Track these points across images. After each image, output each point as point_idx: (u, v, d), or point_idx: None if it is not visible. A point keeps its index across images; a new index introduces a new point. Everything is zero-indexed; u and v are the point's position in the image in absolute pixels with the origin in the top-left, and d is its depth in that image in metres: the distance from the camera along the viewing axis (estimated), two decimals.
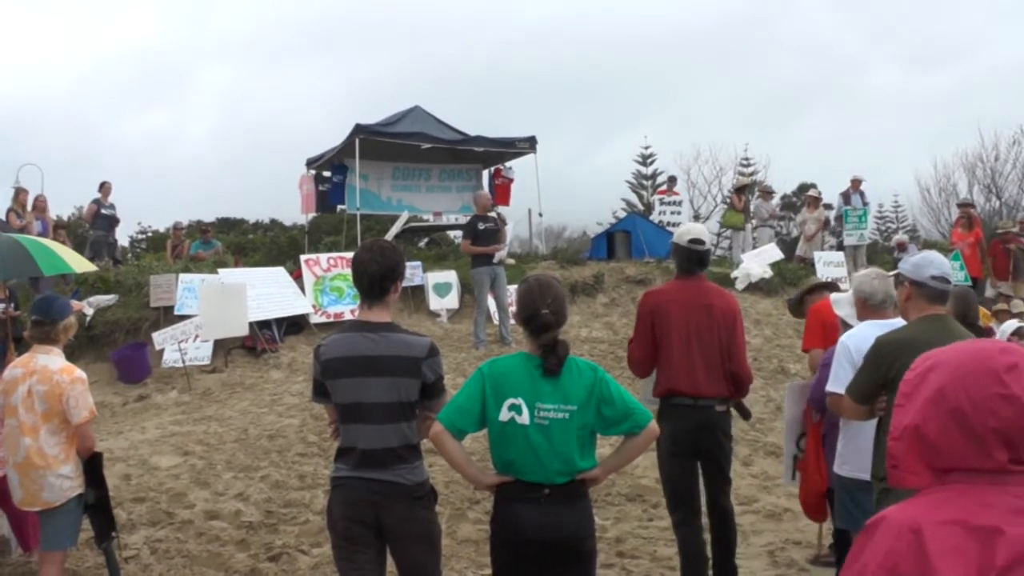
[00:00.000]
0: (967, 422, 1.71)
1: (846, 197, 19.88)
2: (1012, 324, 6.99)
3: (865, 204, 19.96)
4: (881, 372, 4.46)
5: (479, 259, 13.81)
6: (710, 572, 5.86)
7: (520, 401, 3.96)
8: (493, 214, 14.28)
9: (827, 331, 6.43)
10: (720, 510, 5.96)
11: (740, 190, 21.07)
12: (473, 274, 14.01)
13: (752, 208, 20.93)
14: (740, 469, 9.01)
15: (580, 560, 4.06)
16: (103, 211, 18.02)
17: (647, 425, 4.05)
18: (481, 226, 13.77)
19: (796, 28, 73.26)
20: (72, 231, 19.76)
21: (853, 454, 5.19)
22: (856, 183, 19.90)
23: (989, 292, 16.20)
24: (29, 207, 17.13)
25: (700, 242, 5.97)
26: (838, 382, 5.02)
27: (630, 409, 4.04)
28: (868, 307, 5.43)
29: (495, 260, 13.62)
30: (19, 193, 17.08)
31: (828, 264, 17.56)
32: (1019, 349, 1.79)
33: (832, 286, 7.93)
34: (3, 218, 16.54)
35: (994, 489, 1.71)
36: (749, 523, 7.91)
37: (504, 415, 3.97)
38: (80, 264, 8.73)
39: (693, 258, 5.96)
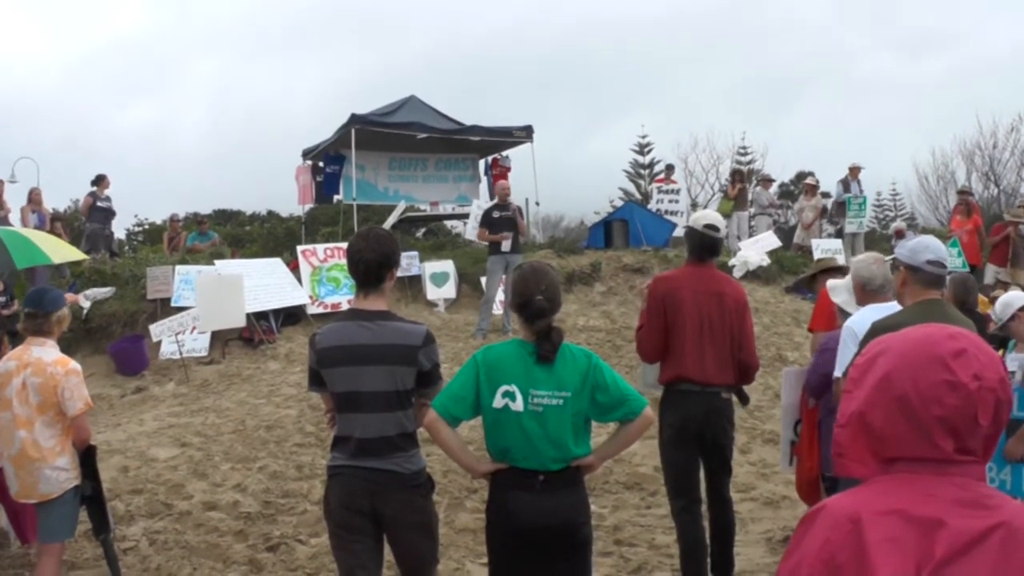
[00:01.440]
0: (912, 410, 1.69)
1: (845, 185, 19.86)
2: (1018, 296, 6.86)
3: (863, 192, 19.96)
4: None
5: (493, 247, 13.86)
6: (709, 560, 5.87)
7: (514, 388, 3.95)
8: (511, 204, 14.26)
9: (834, 315, 6.41)
10: (720, 499, 5.96)
11: (734, 178, 21.07)
12: (488, 262, 14.07)
13: (752, 196, 20.89)
14: (738, 457, 8.99)
15: (576, 547, 4.06)
16: (99, 204, 17.98)
17: (642, 412, 4.04)
18: (496, 215, 13.81)
19: (790, 13, 73.17)
20: (69, 223, 19.74)
21: None
22: (855, 171, 19.87)
23: (989, 279, 16.17)
24: (23, 201, 17.13)
25: (715, 228, 5.94)
26: (843, 366, 5.02)
27: (624, 396, 4.03)
28: (867, 292, 5.44)
29: (503, 248, 13.62)
30: None
31: (826, 252, 17.51)
32: (967, 334, 1.76)
33: (845, 270, 7.93)
34: None
35: (938, 479, 1.68)
36: (747, 511, 7.91)
37: (498, 402, 3.97)
38: (60, 255, 8.65)
39: (706, 244, 5.93)
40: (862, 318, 5.15)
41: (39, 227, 15.71)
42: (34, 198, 17.58)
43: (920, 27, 69.80)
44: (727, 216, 19.94)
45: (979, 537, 1.59)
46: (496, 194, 14.48)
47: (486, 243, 14.28)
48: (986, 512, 1.63)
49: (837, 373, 5.12)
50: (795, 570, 1.71)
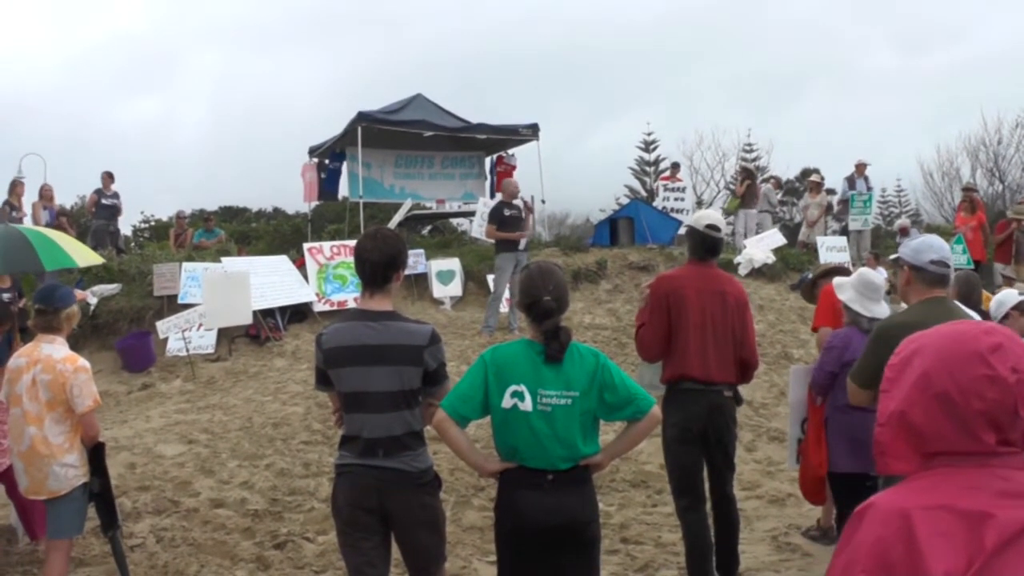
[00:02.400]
0: (953, 406, 1.71)
1: (851, 182, 19.83)
2: (1011, 294, 6.91)
3: (869, 189, 19.93)
4: (884, 356, 4.42)
5: (503, 245, 13.82)
6: (714, 558, 5.88)
7: (522, 388, 3.97)
8: (519, 201, 14.27)
9: (836, 313, 6.43)
10: (724, 496, 5.96)
11: (743, 176, 21.07)
12: (497, 260, 14.04)
13: (761, 192, 20.84)
14: (743, 455, 9.01)
15: (584, 545, 4.07)
16: (103, 200, 18.01)
17: (650, 410, 4.05)
18: (507, 212, 13.78)
19: (793, 9, 73.12)
20: (76, 220, 19.78)
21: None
22: (861, 167, 19.84)
23: (999, 280, 16.13)
24: (29, 198, 17.14)
25: (716, 228, 5.96)
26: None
27: (632, 395, 4.04)
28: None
29: (521, 246, 13.64)
30: (15, 185, 17.07)
31: (831, 249, 17.54)
32: (1003, 329, 1.79)
33: (844, 271, 7.94)
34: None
35: (981, 472, 1.71)
36: (752, 508, 7.93)
37: (507, 402, 3.98)
38: (84, 257, 8.68)
39: (708, 244, 5.94)
40: None
41: (51, 223, 15.76)
42: (45, 194, 17.61)
43: (922, 21, 69.82)
44: (734, 214, 19.95)
45: None
46: (505, 191, 14.43)
47: (493, 241, 14.28)
48: None
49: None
50: (848, 568, 1.72)
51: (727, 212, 20.78)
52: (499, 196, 15.26)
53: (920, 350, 1.81)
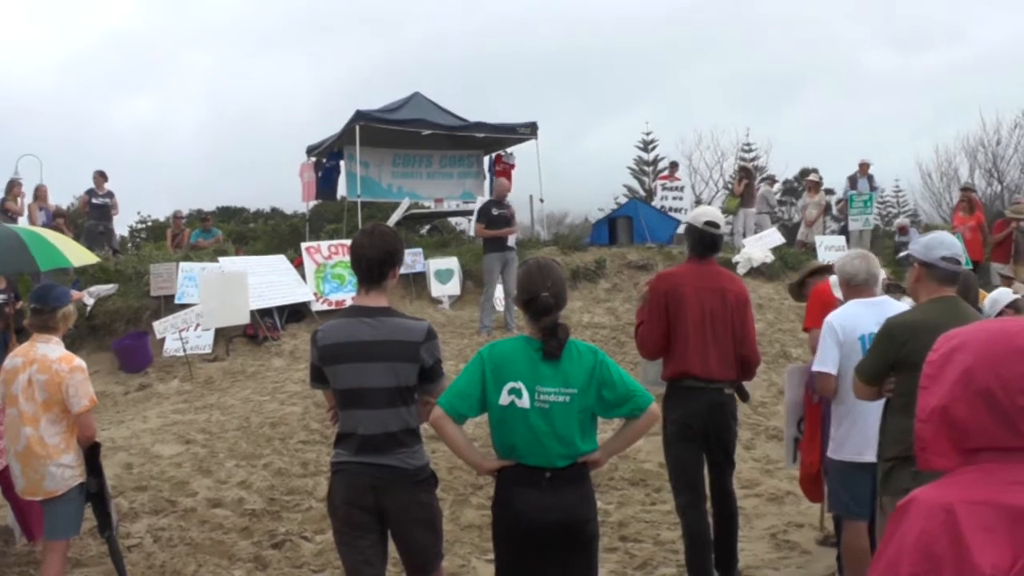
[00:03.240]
0: (996, 402, 1.70)
1: (853, 181, 19.84)
2: (1005, 292, 6.96)
3: (873, 188, 19.92)
4: (891, 353, 4.45)
5: (491, 244, 13.91)
6: (713, 556, 5.87)
7: (520, 385, 3.95)
8: (509, 201, 14.31)
9: (827, 312, 6.42)
10: (724, 494, 5.95)
11: (741, 175, 21.06)
12: (485, 259, 14.11)
13: (759, 194, 20.86)
14: (742, 453, 8.99)
15: (582, 543, 4.05)
16: (94, 200, 17.96)
17: (648, 408, 4.04)
18: (495, 211, 13.87)
19: (791, 8, 73.22)
20: (72, 220, 19.75)
21: (847, 438, 5.21)
22: (864, 167, 19.85)
23: (996, 279, 16.14)
24: (29, 199, 17.13)
25: (715, 225, 5.94)
26: (823, 362, 5.17)
27: (631, 392, 4.03)
28: (851, 287, 5.51)
29: (509, 243, 13.68)
30: (13, 185, 17.05)
31: (829, 248, 17.51)
32: None
33: (832, 269, 7.94)
34: None
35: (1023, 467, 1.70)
36: (751, 506, 7.92)
37: (504, 399, 3.96)
38: (79, 257, 8.65)
39: (707, 241, 5.92)
40: (842, 313, 5.27)
41: (47, 224, 15.73)
42: (40, 195, 17.59)
43: (922, 21, 69.92)
44: (733, 213, 19.93)
45: None
46: (495, 191, 14.52)
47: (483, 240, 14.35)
48: None
49: (817, 368, 5.18)
50: (894, 562, 1.72)
51: (726, 211, 20.76)
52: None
53: (961, 347, 1.80)
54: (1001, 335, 1.77)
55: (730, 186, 45.72)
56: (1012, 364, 1.71)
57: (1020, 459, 1.71)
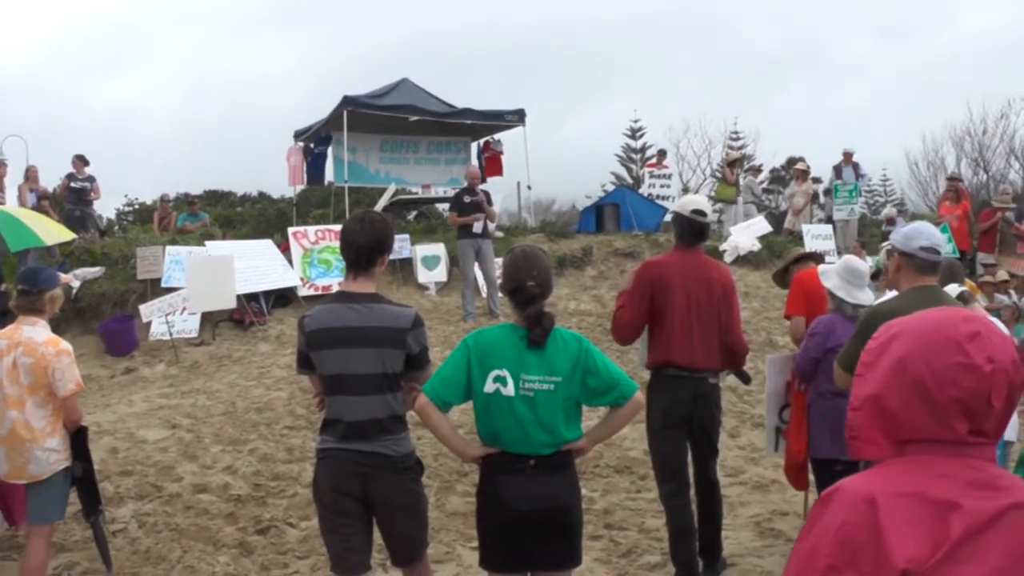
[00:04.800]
0: (928, 392, 1.71)
1: (838, 171, 19.86)
2: (953, 288, 7.04)
3: (860, 176, 19.94)
4: None
5: (463, 231, 13.98)
6: (697, 544, 5.89)
7: (505, 372, 3.96)
8: (481, 188, 14.31)
9: (809, 299, 6.46)
10: (707, 483, 5.98)
11: (732, 164, 21.07)
12: (458, 246, 14.17)
13: (743, 184, 20.92)
14: (727, 441, 9.03)
15: (566, 530, 4.07)
16: (73, 184, 17.85)
17: (632, 396, 4.06)
18: (467, 199, 13.92)
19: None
20: (59, 203, 19.65)
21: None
22: (848, 156, 19.87)
23: (980, 271, 16.23)
24: (13, 180, 17.04)
25: (702, 213, 5.94)
26: None
27: (615, 380, 4.04)
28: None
29: (475, 230, 13.70)
30: None
31: (816, 237, 17.55)
32: (981, 317, 1.78)
33: (817, 257, 7.97)
34: None
35: (953, 460, 1.71)
36: (736, 494, 7.95)
37: (489, 387, 3.97)
38: (52, 236, 8.58)
39: (695, 229, 5.92)
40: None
41: (35, 206, 15.67)
42: (31, 176, 17.49)
43: (909, 9, 70.07)
44: (732, 202, 19.97)
45: (993, 518, 1.61)
46: (466, 178, 14.58)
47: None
48: (999, 493, 1.65)
49: None
50: (812, 550, 1.72)
51: (719, 199, 20.80)
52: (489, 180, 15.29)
53: (898, 335, 1.80)
54: (937, 325, 1.76)
55: (718, 175, 45.96)
56: (944, 355, 1.71)
57: (948, 452, 1.72)
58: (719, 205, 20.40)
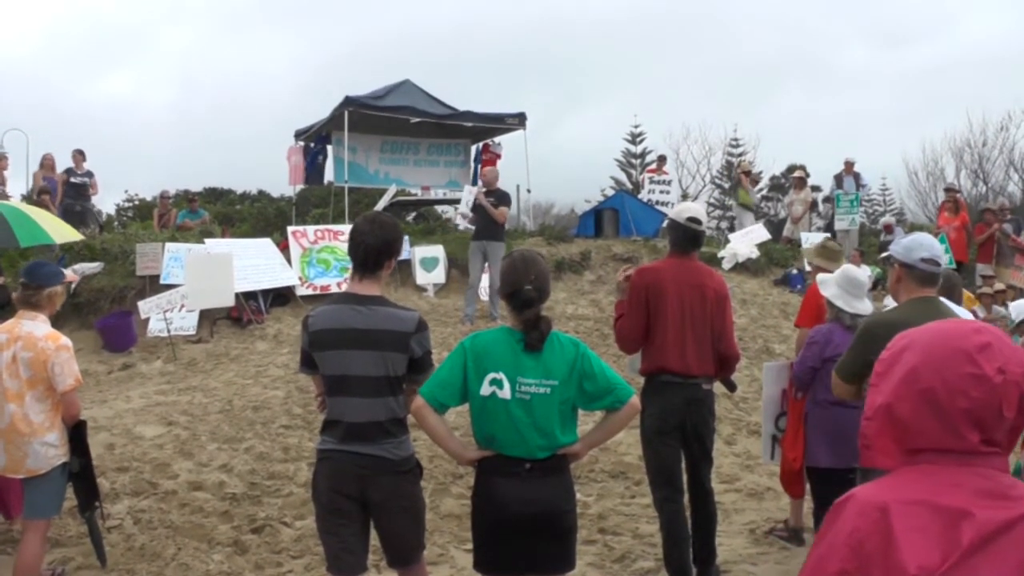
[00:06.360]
0: (939, 403, 1.73)
1: (839, 180, 19.90)
2: None
3: (861, 186, 19.99)
4: (870, 352, 4.47)
5: (473, 233, 13.94)
6: (691, 550, 5.90)
7: (502, 375, 3.97)
8: (497, 189, 14.25)
9: (823, 312, 6.46)
10: (701, 489, 5.98)
11: (748, 173, 21.29)
12: (469, 248, 14.10)
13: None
14: (723, 448, 9.05)
15: (560, 534, 4.08)
16: (72, 180, 17.85)
17: (629, 400, 4.07)
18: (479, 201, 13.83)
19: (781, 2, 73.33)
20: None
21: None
22: (849, 166, 19.91)
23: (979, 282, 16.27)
24: (14, 172, 17.04)
25: (697, 221, 5.94)
26: None
27: (612, 384, 4.05)
28: None
29: (459, 225, 13.72)
30: None
31: (805, 252, 17.60)
32: (992, 329, 1.80)
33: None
34: None
35: (963, 470, 1.73)
36: (731, 501, 7.96)
37: (485, 389, 3.98)
38: (61, 234, 8.62)
39: (689, 236, 5.92)
40: None
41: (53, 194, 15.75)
42: (47, 163, 17.51)
43: (910, 17, 70.18)
44: (751, 209, 20.13)
45: (1004, 527, 1.63)
46: (485, 180, 14.51)
47: (473, 228, 14.37)
48: (1010, 503, 1.67)
49: None
50: (824, 557, 1.75)
51: (743, 206, 20.94)
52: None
53: (910, 346, 1.82)
54: (946, 336, 1.79)
55: (718, 181, 46.02)
56: (955, 366, 1.73)
57: (959, 461, 1.73)
58: (735, 210, 20.59)
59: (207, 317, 13.67)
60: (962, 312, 5.28)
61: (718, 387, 6.23)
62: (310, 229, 16.18)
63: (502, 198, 14.02)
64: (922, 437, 1.76)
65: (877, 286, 13.61)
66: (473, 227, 14.25)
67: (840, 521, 1.76)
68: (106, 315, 13.56)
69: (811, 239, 18.12)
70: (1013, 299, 13.41)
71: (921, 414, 1.75)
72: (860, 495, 1.77)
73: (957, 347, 1.74)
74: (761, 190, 36.76)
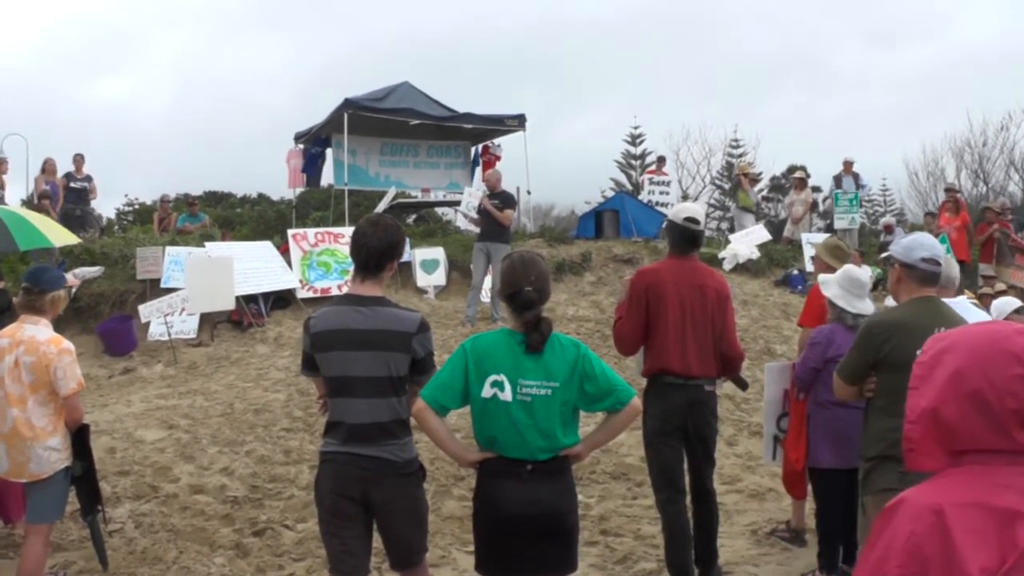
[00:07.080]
0: (986, 404, 1.73)
1: (838, 180, 19.90)
2: (1010, 301, 7.04)
3: (860, 187, 19.99)
4: (871, 353, 4.51)
5: (478, 235, 13.98)
6: (693, 551, 5.89)
7: (503, 377, 3.97)
8: (502, 191, 14.23)
9: (825, 312, 6.44)
10: (703, 491, 5.97)
11: (747, 174, 21.30)
12: (473, 250, 14.10)
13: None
14: (724, 449, 9.04)
15: (562, 536, 4.08)
16: (72, 184, 17.87)
17: (630, 401, 4.06)
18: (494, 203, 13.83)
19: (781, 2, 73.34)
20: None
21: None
22: (848, 166, 19.91)
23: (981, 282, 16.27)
24: (14, 176, 17.04)
25: (695, 221, 5.93)
26: None
27: (613, 385, 4.05)
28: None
29: (461, 226, 13.72)
30: None
31: (815, 246, 17.59)
32: None
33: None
34: None
35: (1011, 470, 1.73)
36: (732, 502, 7.95)
37: (487, 391, 3.98)
38: (60, 238, 8.62)
39: (687, 237, 5.91)
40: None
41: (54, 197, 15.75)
42: (48, 168, 17.51)
43: (909, 16, 70.23)
44: (751, 211, 20.12)
45: None
46: (488, 182, 14.48)
47: (477, 230, 14.35)
48: None
49: None
50: (882, 560, 1.74)
51: (741, 208, 20.97)
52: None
53: (951, 348, 1.82)
54: (991, 338, 1.79)
55: (718, 181, 46.04)
56: (1002, 367, 1.73)
57: (1007, 461, 1.74)
58: (733, 212, 20.58)
59: (208, 321, 13.68)
60: (964, 309, 5.27)
61: (726, 386, 6.21)
62: (310, 232, 16.19)
63: (507, 200, 14.00)
64: (970, 439, 1.76)
65: (877, 286, 13.60)
66: (476, 228, 14.25)
67: (894, 525, 1.75)
68: (107, 319, 13.58)
69: (812, 240, 18.14)
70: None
71: (969, 416, 1.75)
72: (912, 498, 1.77)
73: (1004, 348, 1.75)
74: (761, 191, 36.72)
